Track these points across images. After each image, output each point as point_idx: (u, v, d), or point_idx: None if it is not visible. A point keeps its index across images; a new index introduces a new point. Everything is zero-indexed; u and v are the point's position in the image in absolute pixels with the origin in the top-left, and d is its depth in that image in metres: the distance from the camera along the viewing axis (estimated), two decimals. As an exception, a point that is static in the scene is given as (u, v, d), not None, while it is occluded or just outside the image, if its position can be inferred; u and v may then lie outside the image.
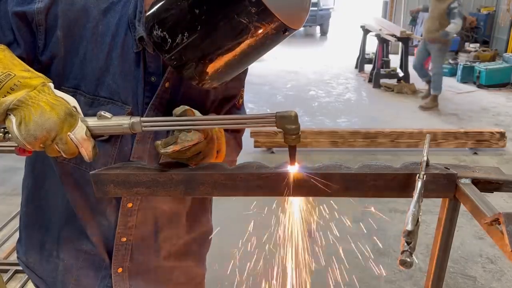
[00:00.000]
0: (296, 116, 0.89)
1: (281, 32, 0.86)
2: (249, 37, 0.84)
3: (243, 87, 1.26)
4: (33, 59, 1.02)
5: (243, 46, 0.87)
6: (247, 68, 1.20)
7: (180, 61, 0.90)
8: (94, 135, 0.92)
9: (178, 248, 1.26)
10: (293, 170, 0.95)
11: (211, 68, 0.91)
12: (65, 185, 1.13)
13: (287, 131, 0.90)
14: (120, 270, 1.19)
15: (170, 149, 0.90)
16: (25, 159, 1.22)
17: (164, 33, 0.88)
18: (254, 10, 0.80)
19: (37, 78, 0.90)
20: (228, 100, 1.21)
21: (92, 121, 0.92)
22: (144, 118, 0.93)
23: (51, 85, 0.91)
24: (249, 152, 4.88)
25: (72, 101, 0.91)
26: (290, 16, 0.84)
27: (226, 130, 1.03)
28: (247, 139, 4.86)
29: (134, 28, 1.03)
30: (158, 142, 0.91)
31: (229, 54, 0.88)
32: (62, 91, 0.94)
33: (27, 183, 1.23)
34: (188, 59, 0.90)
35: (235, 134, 1.26)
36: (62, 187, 1.14)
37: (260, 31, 0.84)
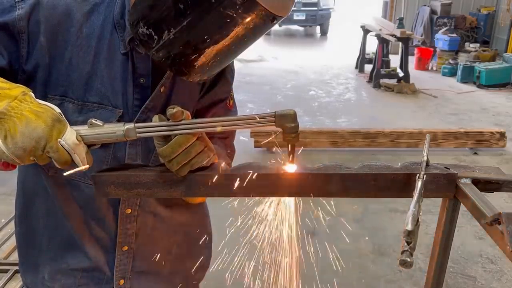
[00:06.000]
0: (295, 115, 0.89)
1: (269, 20, 0.84)
2: (237, 28, 0.83)
3: (232, 89, 1.24)
4: (17, 70, 0.99)
5: (232, 37, 0.85)
6: (234, 69, 1.21)
7: (168, 57, 0.88)
8: (86, 144, 0.88)
9: (178, 253, 1.25)
10: (293, 170, 0.95)
11: (201, 62, 0.89)
12: (59, 201, 1.11)
13: (286, 129, 0.89)
14: (122, 282, 1.17)
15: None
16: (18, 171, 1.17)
17: (150, 30, 0.86)
18: (240, 2, 0.79)
19: (16, 88, 0.86)
20: (217, 103, 1.19)
21: (83, 130, 0.89)
22: (138, 124, 0.90)
23: (32, 94, 0.87)
24: (249, 152, 4.88)
25: (56, 107, 0.87)
26: (276, 3, 0.82)
27: (212, 137, 0.99)
28: (247, 139, 4.88)
29: (121, 29, 1.00)
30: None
31: (218, 47, 0.86)
32: (49, 100, 0.91)
33: (18, 203, 1.21)
34: (177, 54, 0.88)
35: (223, 141, 1.23)
36: (54, 207, 1.11)
37: (247, 21, 0.82)
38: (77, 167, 0.88)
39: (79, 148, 0.87)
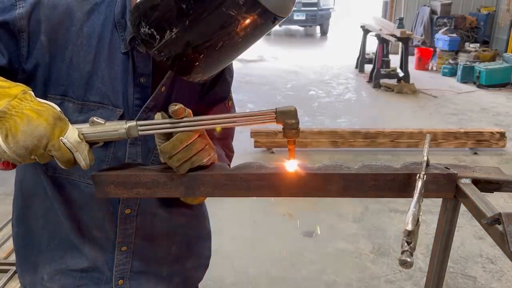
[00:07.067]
0: (295, 111, 0.90)
1: (270, 21, 0.85)
2: (238, 28, 0.83)
3: (230, 89, 1.24)
4: (17, 69, 0.98)
5: (234, 37, 0.85)
6: (232, 70, 1.21)
7: (169, 57, 0.88)
8: (88, 143, 0.89)
9: (177, 253, 1.25)
10: (293, 170, 0.95)
11: (202, 62, 0.90)
12: (57, 201, 1.10)
13: (287, 126, 0.91)
14: (121, 282, 1.17)
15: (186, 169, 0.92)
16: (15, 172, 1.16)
17: (152, 30, 0.86)
18: (242, 2, 0.79)
19: (16, 87, 0.85)
20: (216, 103, 1.19)
21: (85, 128, 0.89)
22: (140, 122, 0.90)
23: (32, 92, 0.86)
24: (249, 152, 4.87)
25: (56, 106, 0.87)
26: (278, 4, 0.83)
27: (211, 138, 1.00)
28: (247, 139, 4.88)
29: (122, 28, 1.00)
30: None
31: (219, 47, 0.87)
32: (49, 100, 0.90)
33: (16, 203, 1.20)
34: (178, 54, 0.88)
35: (223, 142, 1.23)
36: (52, 207, 1.11)
37: (249, 22, 0.83)
38: (79, 166, 0.88)
39: (81, 146, 0.87)
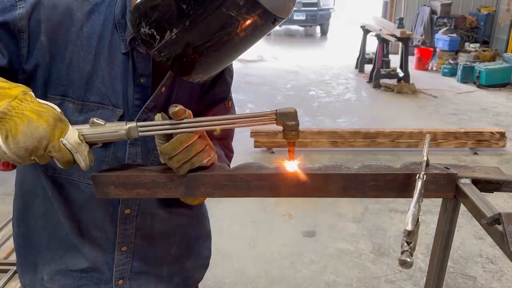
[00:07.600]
0: (295, 113, 0.91)
1: (270, 22, 0.85)
2: (239, 29, 0.84)
3: (230, 89, 1.25)
4: (17, 69, 0.98)
5: (234, 38, 0.85)
6: (232, 70, 1.21)
7: (170, 57, 0.89)
8: (88, 143, 0.89)
9: (177, 253, 1.25)
10: (293, 170, 0.95)
11: (202, 62, 0.90)
12: (57, 201, 1.10)
13: (287, 127, 0.91)
14: (121, 282, 1.17)
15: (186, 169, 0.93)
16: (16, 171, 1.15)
17: (152, 30, 0.86)
18: (243, 2, 0.80)
19: (16, 87, 0.85)
20: (216, 104, 1.19)
21: (85, 129, 0.89)
22: (140, 123, 0.90)
23: (32, 93, 0.86)
24: (249, 152, 4.87)
25: (56, 107, 0.87)
26: (278, 5, 0.84)
27: (210, 139, 1.01)
28: (247, 139, 4.87)
29: (122, 29, 1.01)
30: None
31: (220, 48, 0.87)
32: (49, 100, 0.91)
33: (17, 203, 1.20)
34: (178, 54, 0.88)
35: (222, 142, 1.24)
36: (52, 207, 1.11)
37: (249, 22, 0.83)
38: (79, 166, 0.88)
39: (81, 148, 0.87)
